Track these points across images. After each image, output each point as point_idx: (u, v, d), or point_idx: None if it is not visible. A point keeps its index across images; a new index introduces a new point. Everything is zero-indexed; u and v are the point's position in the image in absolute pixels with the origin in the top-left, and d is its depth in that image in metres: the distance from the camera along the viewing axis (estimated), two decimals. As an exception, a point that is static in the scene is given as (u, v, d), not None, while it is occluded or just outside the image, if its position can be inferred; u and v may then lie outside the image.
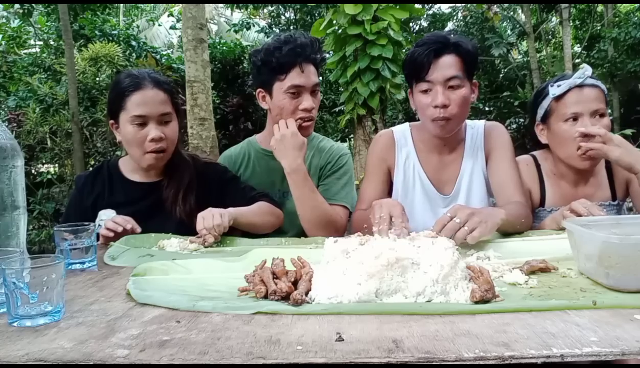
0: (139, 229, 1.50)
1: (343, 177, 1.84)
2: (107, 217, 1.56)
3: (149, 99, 1.56)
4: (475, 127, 1.73)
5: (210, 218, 1.45)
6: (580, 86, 1.56)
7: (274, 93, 1.73)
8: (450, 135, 1.65)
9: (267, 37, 11.09)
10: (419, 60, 1.57)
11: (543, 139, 1.69)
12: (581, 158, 1.55)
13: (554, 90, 1.60)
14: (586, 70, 1.56)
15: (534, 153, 1.78)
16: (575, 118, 1.56)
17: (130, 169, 1.70)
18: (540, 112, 1.66)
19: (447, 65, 1.56)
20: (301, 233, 1.72)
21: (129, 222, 1.49)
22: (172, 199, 1.63)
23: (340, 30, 4.72)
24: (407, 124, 1.83)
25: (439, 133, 1.62)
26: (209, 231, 1.43)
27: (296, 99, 1.70)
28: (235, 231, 1.58)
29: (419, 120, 1.73)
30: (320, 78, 1.83)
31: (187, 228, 1.54)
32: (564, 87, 1.57)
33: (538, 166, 1.74)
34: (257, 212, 1.64)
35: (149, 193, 1.66)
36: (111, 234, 1.46)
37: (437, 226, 1.18)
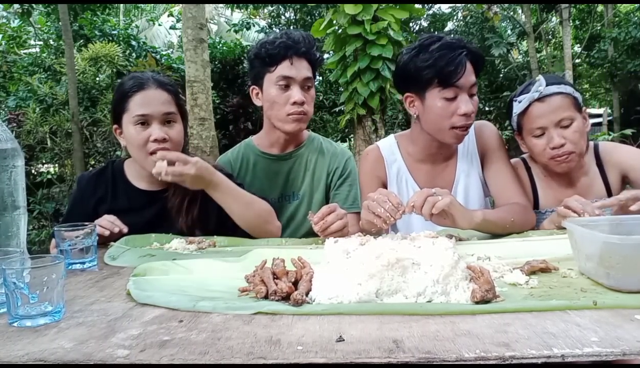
0: (125, 229, 1.49)
1: (354, 184, 1.83)
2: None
3: (152, 99, 1.53)
4: None
5: (181, 160, 1.43)
6: (540, 98, 1.53)
7: (264, 86, 1.71)
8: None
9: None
10: (451, 63, 1.46)
11: (524, 148, 1.70)
12: (557, 166, 1.57)
13: (515, 108, 1.59)
14: (541, 84, 1.53)
15: (524, 156, 1.78)
16: (542, 134, 1.56)
17: (136, 174, 1.65)
18: (514, 125, 1.66)
19: (469, 71, 1.50)
20: (305, 237, 1.69)
21: (115, 225, 1.47)
22: (177, 208, 1.58)
23: (340, 30, 4.71)
24: (392, 136, 1.79)
25: (457, 141, 1.58)
26: (162, 156, 1.43)
27: (286, 91, 1.67)
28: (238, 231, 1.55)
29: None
30: (320, 78, 1.84)
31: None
32: (524, 103, 1.55)
33: (528, 168, 1.73)
34: (247, 201, 1.54)
35: (153, 202, 1.61)
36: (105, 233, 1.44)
37: (415, 196, 1.30)
